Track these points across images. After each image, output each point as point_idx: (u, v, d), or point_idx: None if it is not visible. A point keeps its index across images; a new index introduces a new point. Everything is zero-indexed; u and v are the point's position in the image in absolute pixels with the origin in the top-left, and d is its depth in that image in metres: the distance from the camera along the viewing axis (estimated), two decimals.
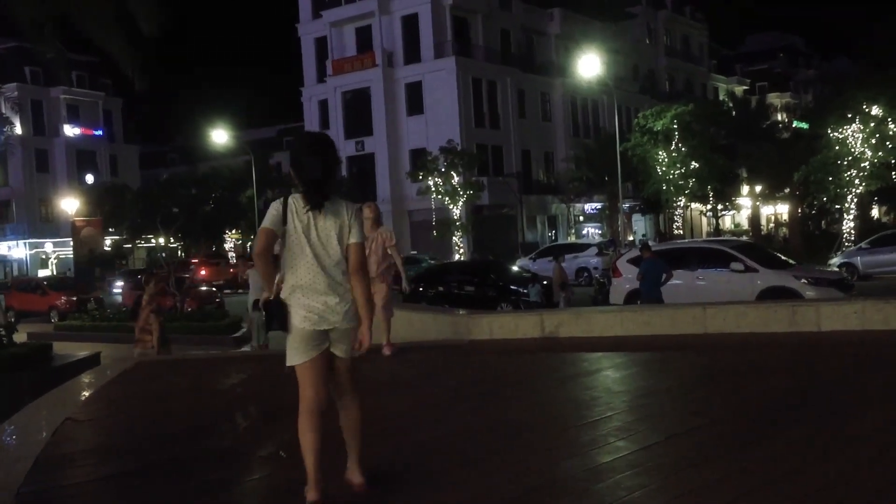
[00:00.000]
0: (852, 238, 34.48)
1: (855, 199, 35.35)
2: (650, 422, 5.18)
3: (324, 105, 50.70)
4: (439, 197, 40.99)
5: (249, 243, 55.04)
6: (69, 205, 48.99)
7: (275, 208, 3.80)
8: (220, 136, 47.31)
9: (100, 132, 61.79)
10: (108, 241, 49.61)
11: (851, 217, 35.77)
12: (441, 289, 20.96)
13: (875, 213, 50.81)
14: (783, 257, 18.82)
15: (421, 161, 42.42)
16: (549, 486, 3.89)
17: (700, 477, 3.96)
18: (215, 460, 4.76)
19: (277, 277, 3.81)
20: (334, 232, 3.79)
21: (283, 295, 3.77)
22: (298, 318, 3.75)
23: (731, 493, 3.66)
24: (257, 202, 45.69)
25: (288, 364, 3.87)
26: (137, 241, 51.11)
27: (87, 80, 60.76)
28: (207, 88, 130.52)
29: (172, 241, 47.52)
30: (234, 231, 52.96)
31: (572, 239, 46.22)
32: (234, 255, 55.07)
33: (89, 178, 56.85)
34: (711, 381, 6.47)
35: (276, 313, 3.78)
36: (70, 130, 59.72)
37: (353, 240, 3.81)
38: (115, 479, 4.54)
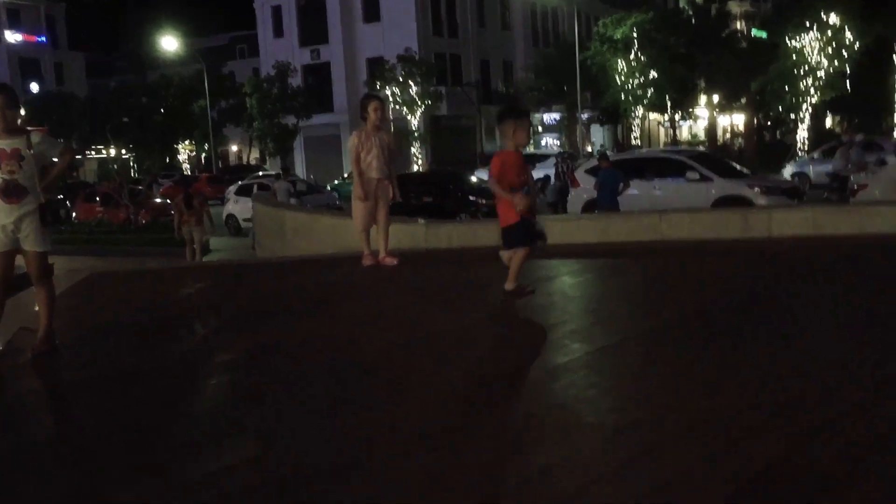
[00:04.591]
0: (805, 148, 34.96)
1: (809, 110, 35.69)
2: (604, 325, 5.30)
3: (277, 11, 49.14)
4: (397, 107, 40.43)
5: (204, 154, 54.06)
6: None
7: None
8: (169, 44, 45.74)
9: (43, 39, 59.25)
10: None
11: (805, 127, 36.17)
12: (399, 200, 20.82)
13: (828, 123, 51.42)
14: (738, 167, 19.08)
15: (378, 70, 41.63)
16: (504, 384, 3.99)
17: (651, 377, 4.09)
18: (171, 368, 4.77)
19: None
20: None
21: None
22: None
23: (681, 393, 3.77)
24: (210, 112, 44.62)
25: None
26: (87, 153, 49.85)
27: None
28: None
29: (124, 152, 46.39)
30: (187, 142, 51.82)
31: (531, 150, 46.09)
32: (188, 167, 54.12)
33: (34, 87, 54.81)
34: (665, 286, 6.60)
35: None
36: (11, 37, 57.15)
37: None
38: (71, 386, 4.53)
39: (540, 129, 53.92)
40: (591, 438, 3.28)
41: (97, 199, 30.90)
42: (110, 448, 3.47)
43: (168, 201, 29.50)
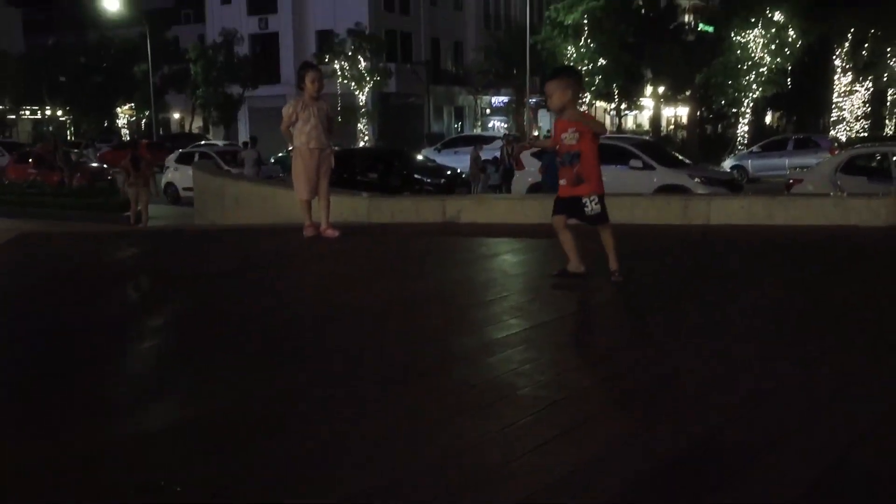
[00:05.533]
0: (745, 142, 35.75)
1: (751, 104, 36.47)
2: (543, 302, 5.32)
3: None
4: (345, 82, 40.04)
5: (144, 119, 52.72)
6: None
7: None
8: (111, 4, 44.34)
9: None
10: None
11: (746, 121, 36.97)
12: (344, 175, 20.69)
13: (768, 118, 52.62)
14: (679, 157, 19.44)
15: (327, 43, 41.13)
16: (444, 358, 3.97)
17: (586, 353, 4.12)
18: (103, 329, 4.64)
19: None
20: None
21: None
22: None
23: (616, 367, 3.81)
24: (153, 77, 43.52)
25: None
26: (22, 112, 48.17)
27: None
28: None
29: (60, 113, 44.95)
30: (126, 106, 50.41)
31: (478, 131, 46.12)
32: (127, 132, 52.71)
33: None
34: (604, 265, 6.66)
35: None
36: None
37: None
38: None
39: (488, 111, 54.01)
40: (524, 411, 3.29)
41: (30, 160, 29.92)
42: (23, 406, 3.35)
43: (105, 166, 28.83)
